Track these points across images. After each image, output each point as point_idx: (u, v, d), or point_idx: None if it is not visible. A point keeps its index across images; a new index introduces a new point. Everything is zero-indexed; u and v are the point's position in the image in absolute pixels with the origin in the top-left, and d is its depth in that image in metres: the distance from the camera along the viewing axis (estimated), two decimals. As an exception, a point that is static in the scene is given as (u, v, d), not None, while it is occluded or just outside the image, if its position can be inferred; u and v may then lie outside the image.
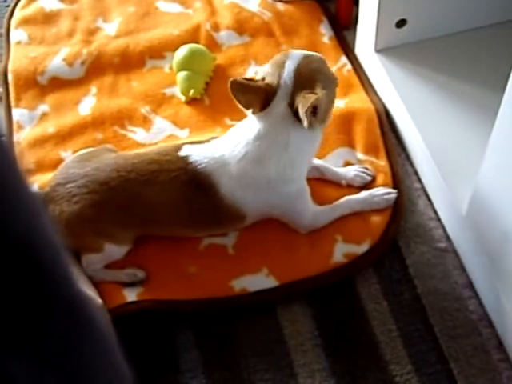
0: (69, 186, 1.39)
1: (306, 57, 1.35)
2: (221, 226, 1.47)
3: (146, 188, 1.37)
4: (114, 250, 1.43)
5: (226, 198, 1.37)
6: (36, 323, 0.46)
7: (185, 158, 1.38)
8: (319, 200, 1.50)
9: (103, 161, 1.42)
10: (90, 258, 1.40)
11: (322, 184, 1.54)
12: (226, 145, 1.38)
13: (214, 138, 1.45)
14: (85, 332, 0.52)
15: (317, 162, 1.54)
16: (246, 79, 1.32)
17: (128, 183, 1.37)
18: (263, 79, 1.34)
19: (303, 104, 1.26)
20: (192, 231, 1.48)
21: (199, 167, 1.37)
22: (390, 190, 1.52)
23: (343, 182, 1.54)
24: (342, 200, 1.50)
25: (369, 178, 1.55)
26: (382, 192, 1.51)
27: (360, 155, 1.60)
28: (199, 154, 1.39)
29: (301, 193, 1.43)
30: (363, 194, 1.51)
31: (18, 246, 0.44)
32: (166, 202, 1.38)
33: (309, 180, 1.47)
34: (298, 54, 1.35)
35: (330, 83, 1.35)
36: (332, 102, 1.36)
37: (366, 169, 1.56)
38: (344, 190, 1.53)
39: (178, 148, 1.41)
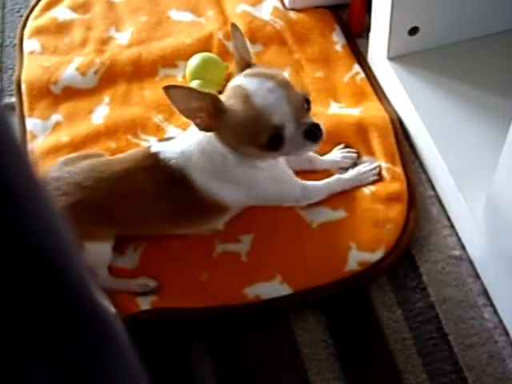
0: (55, 184, 1.39)
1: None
2: (206, 219, 1.47)
3: (120, 185, 1.38)
4: (96, 248, 1.39)
5: (201, 190, 1.38)
6: (55, 331, 0.46)
7: (156, 155, 1.40)
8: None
9: (80, 164, 1.43)
10: None
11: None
12: (190, 138, 1.39)
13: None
14: (105, 340, 0.52)
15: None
16: None
17: (101, 182, 1.38)
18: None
19: None
20: (176, 228, 1.48)
21: (171, 163, 1.38)
22: (376, 164, 1.56)
23: (334, 166, 1.58)
24: (332, 178, 1.53)
25: (354, 155, 1.60)
26: (370, 167, 1.56)
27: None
28: (169, 149, 1.40)
29: (276, 180, 1.44)
30: (352, 171, 1.55)
31: (31, 252, 0.44)
32: (142, 200, 1.39)
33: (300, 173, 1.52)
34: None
35: None
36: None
37: (346, 146, 1.60)
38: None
39: (150, 146, 1.44)
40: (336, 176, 1.54)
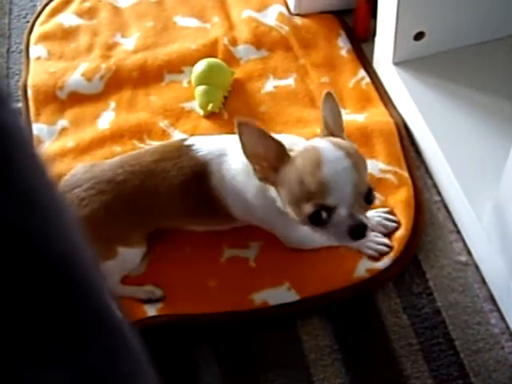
0: (76, 190, 1.40)
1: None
2: (216, 221, 1.46)
3: (149, 177, 1.38)
4: (128, 254, 1.42)
5: (215, 190, 1.37)
6: (73, 339, 0.46)
7: (188, 146, 1.40)
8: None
9: (109, 162, 1.46)
10: (107, 267, 1.39)
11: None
12: (232, 140, 1.36)
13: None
14: (119, 347, 0.52)
15: None
16: None
17: (132, 175, 1.39)
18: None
19: None
20: (195, 223, 1.48)
21: (199, 154, 1.38)
22: (387, 242, 1.46)
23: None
24: None
25: (393, 225, 1.49)
26: (379, 241, 1.46)
27: (382, 166, 1.59)
28: (203, 142, 1.41)
29: (281, 223, 1.39)
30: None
31: (45, 257, 0.44)
32: (169, 190, 1.38)
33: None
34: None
35: None
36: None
37: (389, 213, 1.51)
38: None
39: (183, 140, 1.45)
40: None
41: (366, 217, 1.21)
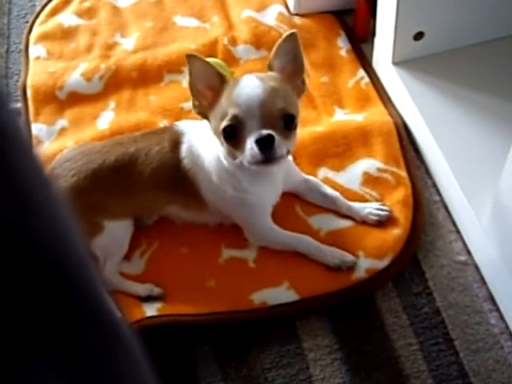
0: (66, 164, 1.46)
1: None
2: (188, 202, 1.48)
3: (133, 145, 1.45)
4: (115, 228, 1.45)
5: (184, 161, 1.43)
6: (71, 339, 0.46)
7: (173, 125, 1.53)
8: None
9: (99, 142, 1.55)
10: (96, 243, 1.41)
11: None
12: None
13: None
14: (117, 347, 0.52)
15: (334, 194, 1.53)
16: None
17: (119, 145, 1.47)
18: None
19: None
20: (171, 201, 1.49)
21: (178, 128, 1.48)
22: (350, 257, 1.44)
23: (357, 217, 1.50)
24: (303, 235, 1.47)
25: (385, 214, 1.50)
26: (340, 255, 1.44)
27: (380, 164, 1.59)
28: (185, 122, 1.54)
29: (243, 205, 1.44)
30: (328, 247, 1.46)
31: (44, 257, 0.44)
32: (149, 158, 1.43)
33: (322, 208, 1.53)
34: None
35: None
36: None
37: (382, 205, 1.52)
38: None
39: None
40: (307, 236, 1.46)
41: (282, 138, 1.28)
